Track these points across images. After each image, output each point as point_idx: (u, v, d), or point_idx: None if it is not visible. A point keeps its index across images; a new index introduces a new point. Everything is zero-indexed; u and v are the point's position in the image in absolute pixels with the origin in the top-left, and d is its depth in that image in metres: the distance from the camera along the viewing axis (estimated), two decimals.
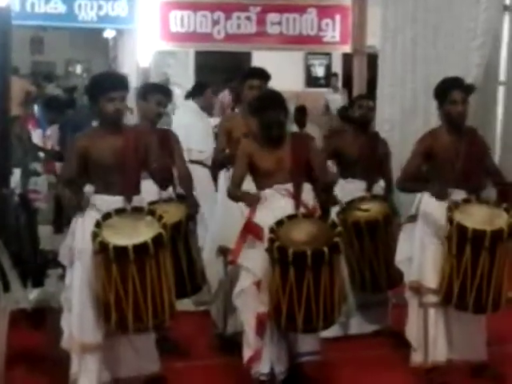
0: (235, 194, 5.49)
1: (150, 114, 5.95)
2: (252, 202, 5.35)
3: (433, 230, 5.49)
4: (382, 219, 6.16)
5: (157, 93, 6.00)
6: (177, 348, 5.97)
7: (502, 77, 9.83)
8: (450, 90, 5.51)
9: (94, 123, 5.34)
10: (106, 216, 4.92)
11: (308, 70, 14.35)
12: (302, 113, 11.77)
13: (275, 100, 5.48)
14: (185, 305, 6.38)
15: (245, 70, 6.86)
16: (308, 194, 5.39)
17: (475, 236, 5.17)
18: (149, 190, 5.50)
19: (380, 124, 9.19)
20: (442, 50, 9.13)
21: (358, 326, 6.50)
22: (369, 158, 6.47)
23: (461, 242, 5.22)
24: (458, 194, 5.46)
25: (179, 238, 5.60)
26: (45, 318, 6.48)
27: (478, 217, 5.30)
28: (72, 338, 5.01)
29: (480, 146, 5.68)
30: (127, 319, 4.85)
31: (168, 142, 6.03)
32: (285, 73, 11.57)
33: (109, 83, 5.06)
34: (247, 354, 5.27)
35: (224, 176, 6.22)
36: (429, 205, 5.54)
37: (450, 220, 5.27)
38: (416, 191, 5.70)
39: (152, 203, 5.45)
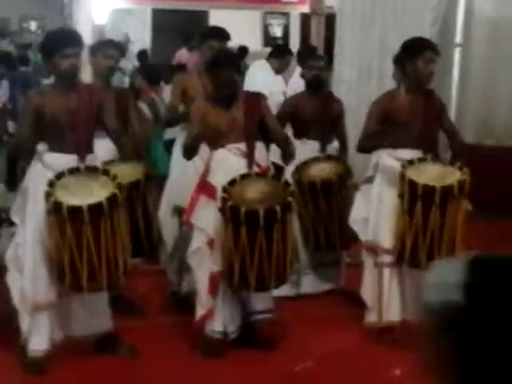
0: (190, 149, 5.40)
1: (100, 69, 5.91)
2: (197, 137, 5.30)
3: (389, 188, 5.51)
4: (337, 179, 6.19)
5: (105, 47, 5.96)
6: (131, 306, 5.99)
7: (458, 39, 9.90)
8: (424, 49, 5.50)
9: (46, 81, 5.28)
10: (60, 175, 4.88)
11: (266, 29, 14.30)
12: (242, 52, 11.84)
13: (228, 59, 5.48)
14: (140, 264, 6.40)
15: (204, 30, 6.81)
16: (261, 153, 5.40)
17: (425, 192, 5.22)
18: (106, 149, 5.49)
19: (337, 85, 9.22)
20: (398, 11, 9.16)
21: (310, 285, 6.56)
22: (322, 119, 6.48)
23: (412, 199, 5.27)
24: (415, 154, 5.49)
25: (137, 197, 5.61)
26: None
27: (431, 174, 5.33)
28: (24, 296, 5.00)
29: (437, 106, 5.71)
30: (81, 279, 4.85)
31: (123, 100, 5.99)
32: (242, 32, 11.50)
33: (63, 40, 5.01)
34: (200, 312, 5.30)
35: (179, 136, 6.19)
36: (386, 162, 5.58)
37: (402, 176, 5.32)
38: (374, 149, 5.72)
39: (108, 162, 5.43)
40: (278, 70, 8.97)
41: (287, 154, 5.52)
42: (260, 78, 8.77)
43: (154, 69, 10.44)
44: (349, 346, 5.59)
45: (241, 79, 5.45)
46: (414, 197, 5.26)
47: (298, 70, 8.83)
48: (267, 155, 5.52)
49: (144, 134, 6.19)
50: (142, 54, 12.32)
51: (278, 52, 9.11)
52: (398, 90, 5.66)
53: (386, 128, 5.62)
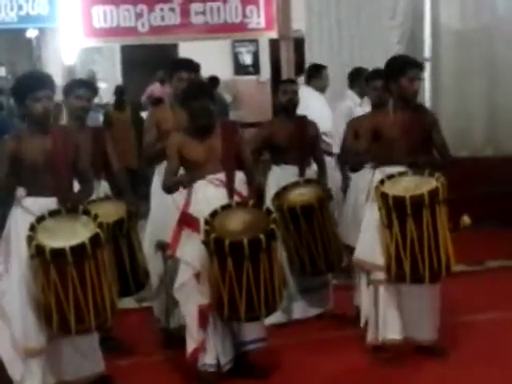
0: (172, 183, 5.40)
1: (73, 110, 5.90)
2: (191, 179, 5.30)
3: (374, 204, 5.50)
4: (317, 203, 6.18)
5: (76, 88, 5.94)
6: (121, 346, 5.94)
7: (427, 53, 9.99)
8: (407, 68, 5.54)
9: (22, 125, 5.26)
10: (40, 219, 4.86)
11: (236, 57, 14.33)
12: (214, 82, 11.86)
13: (202, 89, 5.48)
14: (127, 302, 6.36)
15: (173, 62, 6.82)
16: (240, 182, 5.40)
17: (396, 203, 5.23)
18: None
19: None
20: (364, 30, 9.24)
21: (301, 310, 6.53)
22: (299, 143, 6.49)
23: (388, 212, 5.28)
24: (398, 170, 5.50)
25: (121, 236, 5.58)
26: None
27: (405, 185, 5.34)
28: (15, 343, 4.95)
29: (428, 121, 5.69)
30: (69, 321, 4.81)
31: (100, 139, 5.98)
32: (213, 62, 11.55)
33: (34, 83, 5.00)
34: (191, 346, 5.26)
35: (158, 170, 6.17)
36: (376, 181, 5.56)
37: (376, 190, 5.34)
38: (364, 163, 5.73)
39: (90, 202, 5.41)
40: (322, 89, 8.68)
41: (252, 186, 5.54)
42: (316, 106, 8.50)
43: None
44: (345, 369, 5.55)
45: (215, 109, 5.44)
46: (388, 209, 5.27)
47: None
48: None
49: (123, 171, 6.16)
50: (118, 90, 12.27)
51: (314, 71, 8.78)
52: (387, 109, 5.68)
53: (374, 146, 5.63)
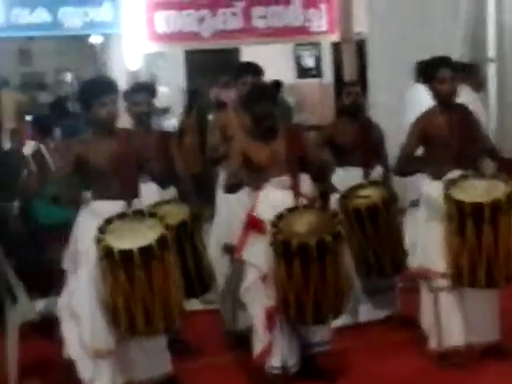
0: (233, 184, 5.42)
1: (134, 115, 5.97)
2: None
3: (435, 213, 5.45)
4: (382, 204, 6.15)
5: (134, 93, 6.01)
6: (188, 348, 5.97)
7: (491, 54, 9.87)
8: (437, 69, 5.49)
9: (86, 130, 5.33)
10: (108, 221, 4.92)
11: (298, 61, 14.33)
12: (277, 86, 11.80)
13: (264, 92, 5.49)
14: (193, 304, 6.40)
15: (238, 66, 6.84)
16: (306, 184, 5.39)
17: (474, 210, 5.14)
18: (150, 193, 5.53)
19: (374, 110, 9.22)
20: (427, 31, 9.15)
21: (367, 313, 6.49)
22: (363, 145, 6.46)
23: (461, 219, 5.20)
24: (456, 173, 5.44)
25: (185, 238, 5.61)
26: (53, 327, 6.48)
27: (475, 191, 5.26)
28: (84, 344, 5.01)
29: (472, 122, 5.66)
30: (137, 323, 4.86)
31: (165, 142, 6.03)
32: (275, 66, 11.55)
33: (99, 88, 5.07)
34: (258, 348, 5.27)
35: (223, 173, 6.21)
36: (430, 187, 5.53)
37: (448, 197, 5.26)
38: (413, 173, 5.69)
39: (155, 204, 5.46)
40: (477, 88, 8.44)
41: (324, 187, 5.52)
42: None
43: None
44: (410, 373, 5.49)
45: (278, 112, 5.44)
46: (462, 216, 5.19)
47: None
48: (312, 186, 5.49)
49: (187, 173, 6.21)
50: (193, 93, 12.22)
51: (470, 69, 8.56)
52: (435, 109, 5.63)
53: (424, 153, 5.58)
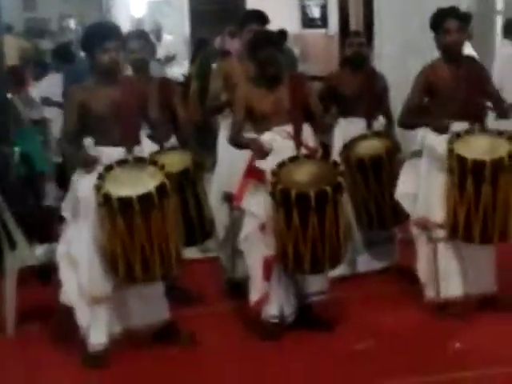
0: (238, 141, 5.42)
1: (130, 63, 5.91)
2: (258, 149, 5.23)
3: (438, 165, 5.44)
4: (386, 155, 6.13)
5: (130, 40, 5.92)
6: (186, 296, 5.99)
7: (499, 6, 9.76)
8: (444, 19, 5.43)
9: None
10: (108, 168, 4.91)
11: (304, 10, 14.18)
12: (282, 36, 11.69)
13: (269, 38, 5.43)
14: (192, 253, 6.42)
15: (244, 14, 6.76)
16: (308, 134, 5.36)
17: (475, 166, 5.13)
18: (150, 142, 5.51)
19: (379, 61, 9.14)
20: None
21: (365, 263, 6.51)
22: (366, 96, 6.41)
23: (462, 174, 5.19)
24: (461, 126, 5.41)
25: (187, 185, 5.60)
26: (52, 273, 6.51)
27: (479, 147, 5.24)
28: (82, 290, 5.03)
29: (480, 74, 5.60)
30: (135, 270, 4.87)
31: (166, 90, 5.98)
32: (280, 15, 11.44)
33: (102, 34, 5.02)
34: (255, 297, 5.29)
35: (224, 122, 6.18)
36: (433, 139, 5.50)
37: (451, 152, 5.24)
38: (417, 126, 5.66)
39: (156, 152, 5.44)
40: None
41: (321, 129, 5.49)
42: None
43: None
44: (408, 323, 5.53)
45: (282, 59, 5.38)
46: (463, 172, 5.18)
47: None
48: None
49: (189, 122, 6.18)
50: (200, 42, 12.08)
51: None
52: (440, 61, 5.57)
53: (429, 102, 5.53)
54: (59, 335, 5.46)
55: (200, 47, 11.89)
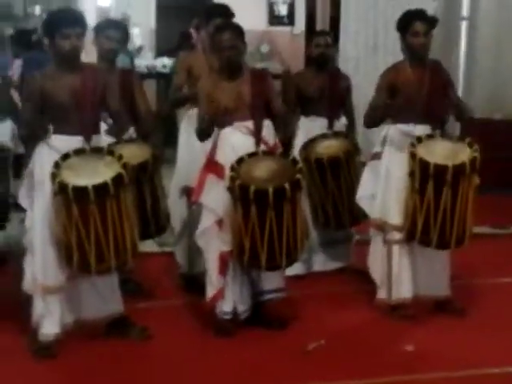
0: (204, 133, 5.35)
1: (102, 50, 5.84)
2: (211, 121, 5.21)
3: (398, 164, 5.46)
4: (344, 155, 6.14)
5: (107, 28, 5.86)
6: (141, 289, 5.97)
7: (465, 12, 9.82)
8: (411, 22, 5.44)
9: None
10: (65, 156, 4.83)
11: (271, 8, 14.14)
12: None
13: (231, 24, 5.44)
14: (149, 246, 6.37)
15: (209, 8, 6.72)
16: (268, 130, 5.33)
17: (437, 171, 5.15)
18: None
19: (344, 61, 9.17)
20: None
21: (321, 263, 6.53)
22: (329, 96, 6.42)
23: (423, 178, 5.21)
24: (422, 129, 5.44)
25: (144, 178, 5.56)
26: (7, 261, 6.45)
27: (441, 152, 5.27)
28: (35, 280, 4.97)
29: (443, 78, 5.63)
30: (89, 261, 4.81)
31: (128, 81, 5.93)
32: (247, 11, 11.39)
33: (63, 19, 4.93)
34: (210, 292, 5.27)
35: (187, 115, 6.13)
36: (394, 139, 5.52)
37: (413, 156, 5.25)
38: (381, 122, 5.65)
39: (116, 143, 5.39)
40: None
41: (284, 130, 5.47)
42: None
43: None
44: (361, 324, 5.55)
45: (245, 48, 5.34)
46: (425, 176, 5.19)
47: None
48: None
49: (150, 114, 6.12)
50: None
51: None
52: (404, 63, 5.59)
53: (392, 102, 5.55)
54: (13, 323, 5.38)
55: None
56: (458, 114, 5.63)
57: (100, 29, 5.89)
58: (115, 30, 5.89)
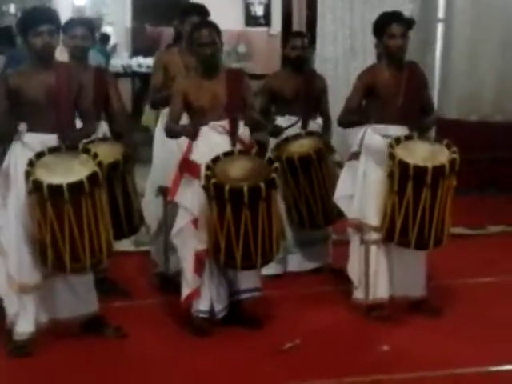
0: (174, 130, 5.36)
1: (69, 49, 5.81)
2: (192, 134, 5.23)
3: (375, 165, 5.47)
4: (315, 154, 6.13)
5: (71, 26, 5.83)
6: (116, 288, 5.95)
7: (441, 14, 9.86)
8: (388, 24, 5.45)
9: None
10: (40, 155, 4.80)
11: (247, 8, 14.16)
12: None
13: (208, 22, 5.45)
14: (124, 245, 6.34)
15: (185, 7, 6.71)
16: (244, 130, 5.33)
17: (417, 172, 5.15)
18: None
19: (321, 63, 9.18)
20: None
21: (297, 263, 6.52)
22: (305, 96, 6.42)
23: (403, 179, 5.20)
24: (399, 130, 5.44)
25: (116, 178, 5.52)
26: None
27: (420, 153, 5.27)
28: (10, 278, 4.93)
29: (419, 79, 5.64)
30: (64, 259, 4.78)
31: (101, 79, 5.89)
32: (224, 11, 11.40)
33: (36, 17, 4.91)
34: (186, 292, 5.26)
35: (162, 115, 6.12)
36: (372, 139, 5.52)
37: (392, 157, 5.25)
38: (356, 125, 5.66)
39: (88, 142, 5.35)
40: None
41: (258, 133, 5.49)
42: None
43: None
44: (337, 323, 5.54)
45: (222, 47, 5.33)
46: (404, 177, 5.19)
47: None
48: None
49: (123, 112, 6.09)
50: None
51: None
52: (381, 64, 5.60)
53: (368, 104, 5.56)
54: None
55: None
56: (425, 114, 5.64)
57: (64, 28, 5.85)
58: (79, 27, 5.84)
